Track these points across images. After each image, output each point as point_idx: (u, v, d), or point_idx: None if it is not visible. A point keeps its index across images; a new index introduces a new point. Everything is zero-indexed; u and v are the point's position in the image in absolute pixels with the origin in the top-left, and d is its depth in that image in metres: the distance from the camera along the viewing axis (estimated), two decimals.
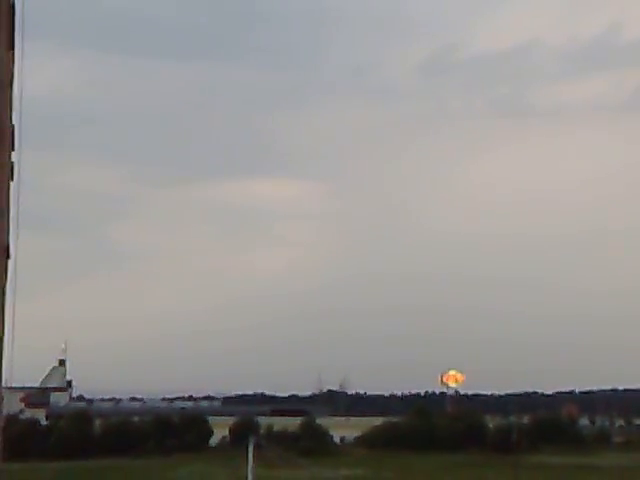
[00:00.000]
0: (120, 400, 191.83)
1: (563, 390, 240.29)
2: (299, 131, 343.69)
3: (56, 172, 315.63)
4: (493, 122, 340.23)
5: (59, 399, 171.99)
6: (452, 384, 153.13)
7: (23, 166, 28.24)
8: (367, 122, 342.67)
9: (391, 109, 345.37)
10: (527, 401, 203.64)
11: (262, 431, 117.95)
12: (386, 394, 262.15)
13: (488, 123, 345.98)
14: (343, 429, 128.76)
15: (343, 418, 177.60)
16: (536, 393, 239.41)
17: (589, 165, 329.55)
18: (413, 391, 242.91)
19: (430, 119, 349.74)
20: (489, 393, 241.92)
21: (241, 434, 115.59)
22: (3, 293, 26.58)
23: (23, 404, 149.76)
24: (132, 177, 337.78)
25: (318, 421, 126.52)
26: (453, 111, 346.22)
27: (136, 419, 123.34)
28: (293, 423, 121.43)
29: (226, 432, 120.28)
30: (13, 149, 27.88)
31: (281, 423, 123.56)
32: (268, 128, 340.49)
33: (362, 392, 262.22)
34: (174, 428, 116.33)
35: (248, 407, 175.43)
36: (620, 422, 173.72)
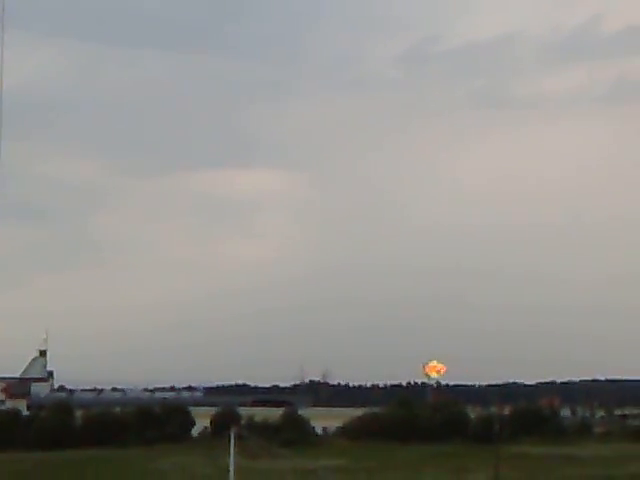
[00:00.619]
0: (101, 391, 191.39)
1: (544, 381, 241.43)
2: (281, 122, 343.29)
3: (37, 162, 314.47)
4: (474, 113, 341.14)
5: (40, 390, 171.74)
6: (433, 375, 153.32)
7: (4, 156, 27.95)
8: (348, 113, 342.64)
9: (372, 100, 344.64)
10: (508, 391, 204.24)
11: (243, 422, 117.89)
12: (368, 385, 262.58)
13: (469, 114, 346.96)
14: (325, 420, 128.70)
15: (325, 409, 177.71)
16: (517, 384, 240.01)
17: (571, 155, 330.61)
18: (395, 382, 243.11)
19: (411, 110, 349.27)
20: (470, 384, 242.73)
21: (223, 425, 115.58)
22: None
23: (4, 395, 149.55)
24: (114, 167, 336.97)
25: (300, 412, 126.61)
26: (434, 102, 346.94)
27: (117, 410, 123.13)
28: (275, 414, 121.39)
29: (208, 423, 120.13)
30: None
31: (263, 414, 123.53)
32: (250, 119, 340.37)
33: (344, 383, 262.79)
34: (156, 419, 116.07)
35: (230, 398, 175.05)
36: (601, 413, 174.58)
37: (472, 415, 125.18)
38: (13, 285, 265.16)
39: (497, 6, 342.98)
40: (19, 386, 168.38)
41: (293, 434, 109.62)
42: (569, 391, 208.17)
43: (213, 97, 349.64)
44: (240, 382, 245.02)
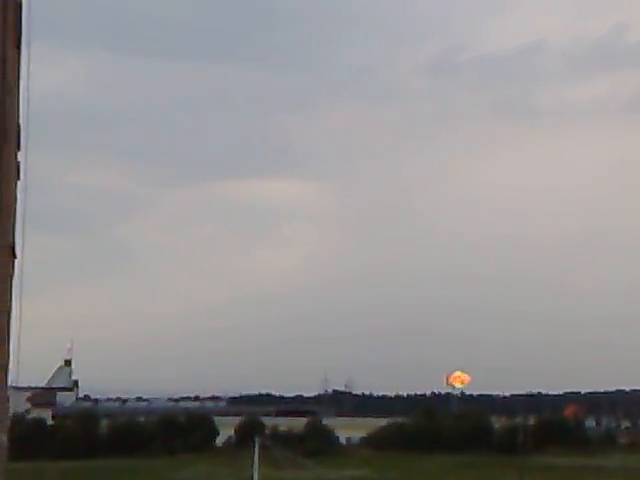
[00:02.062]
0: (126, 400, 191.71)
1: (569, 391, 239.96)
2: (307, 131, 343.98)
3: (63, 172, 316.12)
4: (498, 122, 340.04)
5: (65, 399, 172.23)
6: (458, 385, 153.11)
7: (30, 166, 28.26)
8: (374, 122, 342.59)
9: (398, 109, 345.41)
10: (533, 402, 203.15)
11: (267, 431, 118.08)
12: (392, 395, 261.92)
13: (494, 123, 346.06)
14: (349, 430, 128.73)
15: (349, 418, 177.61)
16: (542, 394, 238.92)
17: (594, 165, 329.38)
18: (419, 392, 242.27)
19: (436, 119, 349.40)
20: (495, 394, 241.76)
21: (247, 434, 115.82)
22: (10, 293, 26.60)
23: (29, 404, 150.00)
24: (139, 177, 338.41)
25: (324, 422, 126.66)
26: (459, 111, 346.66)
27: (142, 419, 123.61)
28: (299, 424, 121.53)
29: (232, 432, 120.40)
30: (19, 149, 27.88)
31: (286, 423, 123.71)
32: (276, 128, 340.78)
33: (368, 392, 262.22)
34: (180, 428, 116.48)
35: (254, 407, 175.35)
36: (626, 423, 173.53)
37: (496, 425, 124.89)
38: (39, 294, 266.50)
39: (522, 17, 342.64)
40: (44, 396, 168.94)
41: (317, 444, 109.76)
42: (594, 401, 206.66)
43: (240, 107, 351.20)
44: (264, 392, 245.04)
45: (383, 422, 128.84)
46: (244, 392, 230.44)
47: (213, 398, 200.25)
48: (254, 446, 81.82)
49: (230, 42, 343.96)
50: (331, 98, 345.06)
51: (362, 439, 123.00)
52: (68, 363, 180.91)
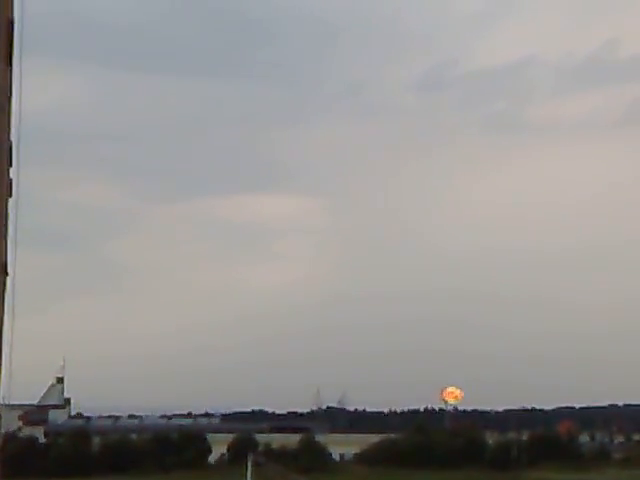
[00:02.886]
0: (119, 417, 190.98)
1: (562, 406, 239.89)
2: (299, 147, 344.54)
3: (55, 189, 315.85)
4: (490, 137, 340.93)
5: (57, 417, 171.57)
6: (451, 400, 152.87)
7: (22, 182, 28.22)
8: (366, 138, 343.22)
9: (390, 125, 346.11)
10: (526, 417, 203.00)
11: (261, 448, 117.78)
12: (385, 411, 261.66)
13: (485, 138, 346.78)
14: (342, 446, 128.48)
15: (342, 435, 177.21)
16: (535, 409, 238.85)
17: (586, 180, 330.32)
18: (412, 407, 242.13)
19: (428, 135, 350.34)
20: (488, 409, 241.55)
21: (240, 451, 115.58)
22: (2, 310, 26.53)
23: (21, 422, 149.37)
24: (132, 193, 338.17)
25: (317, 438, 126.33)
26: (450, 127, 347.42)
27: (135, 436, 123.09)
28: (292, 440, 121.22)
29: (225, 449, 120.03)
30: (11, 165, 27.86)
31: (280, 440, 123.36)
32: (268, 144, 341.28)
33: (361, 409, 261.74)
34: (173, 445, 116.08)
35: (247, 424, 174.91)
36: (620, 438, 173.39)
37: (490, 441, 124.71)
38: (31, 311, 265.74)
39: (514, 32, 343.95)
40: (36, 413, 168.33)
41: (310, 460, 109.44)
42: (587, 416, 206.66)
43: (234, 123, 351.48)
44: (257, 408, 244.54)
45: (376, 438, 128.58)
46: (237, 409, 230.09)
47: (206, 415, 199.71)
48: (247, 463, 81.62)
49: (221, 58, 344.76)
50: (322, 114, 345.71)
51: (355, 455, 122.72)
52: (60, 381, 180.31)
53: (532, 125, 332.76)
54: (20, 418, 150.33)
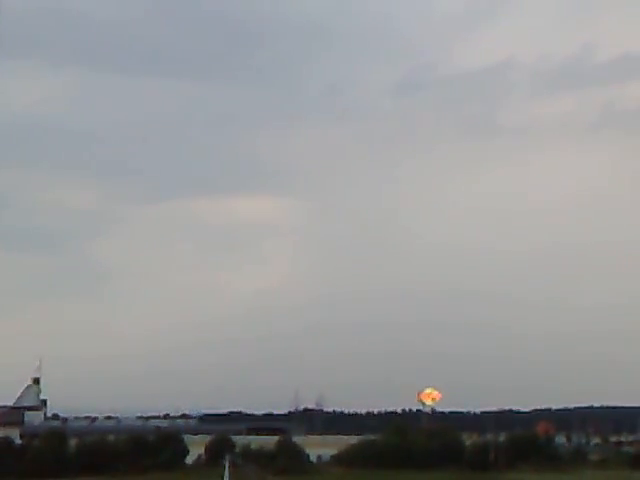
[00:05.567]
0: (95, 419, 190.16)
1: (539, 407, 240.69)
2: (281, 149, 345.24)
3: (36, 189, 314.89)
4: (466, 140, 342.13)
5: (33, 418, 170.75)
6: (428, 402, 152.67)
7: (3, 184, 27.90)
8: (346, 140, 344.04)
9: (368, 127, 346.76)
10: (504, 418, 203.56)
11: (238, 450, 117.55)
12: (362, 412, 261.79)
13: (459, 141, 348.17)
14: (320, 447, 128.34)
15: (319, 436, 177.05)
16: (512, 410, 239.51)
17: (561, 183, 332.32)
18: (390, 409, 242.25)
19: (405, 137, 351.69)
20: (466, 411, 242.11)
21: (217, 453, 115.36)
22: None
23: None
24: (113, 194, 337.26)
25: (294, 439, 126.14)
26: (428, 129, 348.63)
27: (111, 438, 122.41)
28: (269, 442, 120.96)
29: (202, 451, 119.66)
30: None
31: (257, 441, 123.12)
32: (250, 146, 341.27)
33: (339, 410, 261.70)
34: (150, 447, 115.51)
35: (224, 425, 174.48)
36: (596, 440, 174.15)
37: (467, 442, 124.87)
38: (7, 312, 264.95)
39: (490, 35, 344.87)
40: (12, 414, 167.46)
41: (288, 462, 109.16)
42: (564, 418, 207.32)
43: (217, 125, 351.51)
44: (234, 410, 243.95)
45: (354, 440, 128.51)
46: (214, 410, 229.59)
47: (183, 416, 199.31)
48: (224, 464, 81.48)
49: (202, 60, 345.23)
50: (302, 116, 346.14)
51: (333, 457, 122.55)
52: (37, 381, 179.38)
53: (508, 128, 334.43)
54: None
